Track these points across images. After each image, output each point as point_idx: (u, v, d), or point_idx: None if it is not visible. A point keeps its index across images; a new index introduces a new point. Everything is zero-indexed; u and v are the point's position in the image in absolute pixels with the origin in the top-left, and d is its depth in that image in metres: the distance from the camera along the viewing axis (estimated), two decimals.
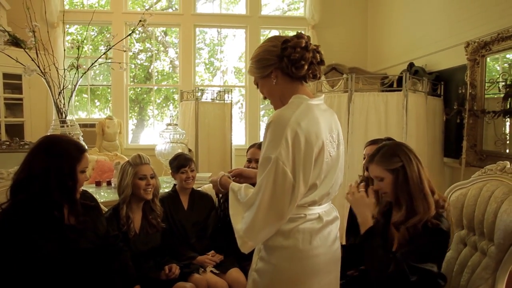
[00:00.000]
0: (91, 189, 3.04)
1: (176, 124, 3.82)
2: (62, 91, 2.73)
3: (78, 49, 2.71)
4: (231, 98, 5.58)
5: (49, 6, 5.59)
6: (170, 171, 2.58)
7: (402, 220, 1.58)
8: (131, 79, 6.91)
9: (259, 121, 6.74)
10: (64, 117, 2.76)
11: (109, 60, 2.85)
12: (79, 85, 2.84)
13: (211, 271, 2.26)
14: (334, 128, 1.36)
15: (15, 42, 2.69)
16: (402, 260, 1.48)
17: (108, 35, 2.94)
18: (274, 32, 6.90)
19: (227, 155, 5.50)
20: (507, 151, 3.38)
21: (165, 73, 7.68)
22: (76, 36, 6.91)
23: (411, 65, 4.62)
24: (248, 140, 6.60)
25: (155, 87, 7.19)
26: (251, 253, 1.35)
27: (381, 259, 1.53)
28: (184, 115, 5.53)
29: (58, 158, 1.48)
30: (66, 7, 6.33)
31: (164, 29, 7.38)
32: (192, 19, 6.50)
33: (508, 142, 3.38)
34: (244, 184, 1.37)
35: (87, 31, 6.45)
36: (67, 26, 6.46)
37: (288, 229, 1.28)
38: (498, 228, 1.63)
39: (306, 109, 1.27)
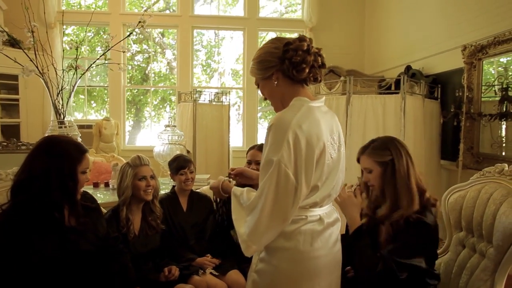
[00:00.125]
0: (88, 190, 3.01)
1: (174, 126, 3.81)
2: (60, 92, 2.72)
3: (77, 49, 2.69)
4: (229, 100, 5.60)
5: (47, 7, 5.56)
6: (169, 172, 2.57)
7: (386, 214, 1.59)
8: (128, 81, 6.89)
9: (257, 123, 6.75)
10: (62, 118, 2.74)
11: (108, 61, 2.85)
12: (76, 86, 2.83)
13: (211, 273, 2.25)
14: (335, 130, 1.36)
15: (12, 42, 2.68)
16: (389, 258, 1.49)
17: (105, 36, 2.93)
18: (272, 35, 6.91)
19: (225, 156, 5.52)
20: (504, 153, 3.41)
21: (162, 75, 7.66)
22: (73, 37, 6.88)
23: (408, 68, 4.64)
24: (246, 142, 6.61)
25: (152, 89, 7.19)
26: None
27: (369, 259, 1.54)
28: (181, 117, 5.54)
29: (58, 158, 1.47)
30: (63, 8, 6.31)
31: (162, 30, 7.37)
32: (190, 21, 6.51)
33: (504, 144, 3.42)
34: (246, 188, 1.36)
35: (85, 32, 6.43)
36: (64, 26, 6.43)
37: (290, 231, 1.28)
38: (496, 230, 1.64)
39: (307, 111, 1.26)
